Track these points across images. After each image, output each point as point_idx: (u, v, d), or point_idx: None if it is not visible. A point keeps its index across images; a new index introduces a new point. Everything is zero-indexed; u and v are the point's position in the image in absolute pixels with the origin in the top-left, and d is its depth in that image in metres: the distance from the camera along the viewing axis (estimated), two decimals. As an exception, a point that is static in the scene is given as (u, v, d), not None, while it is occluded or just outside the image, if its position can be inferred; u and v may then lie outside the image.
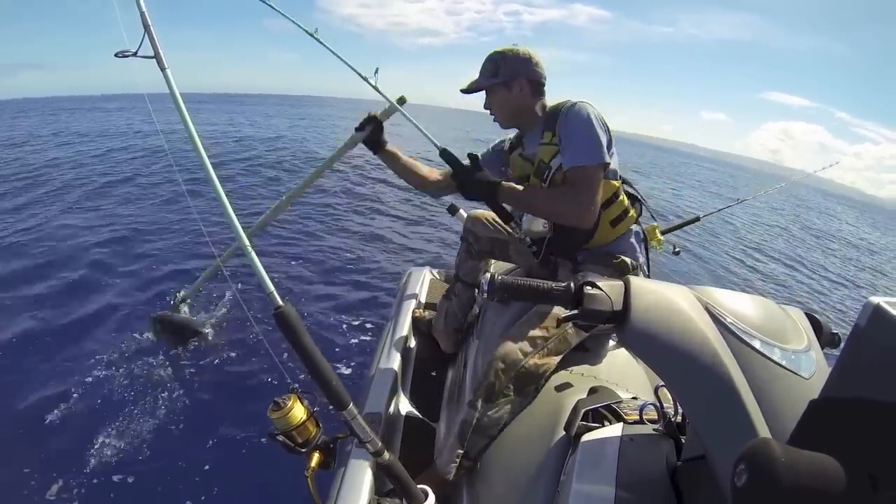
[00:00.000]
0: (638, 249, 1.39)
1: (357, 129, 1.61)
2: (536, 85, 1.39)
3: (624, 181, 1.38)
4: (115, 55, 1.25)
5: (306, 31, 1.80)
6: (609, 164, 1.26)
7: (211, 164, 1.00)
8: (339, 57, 1.81)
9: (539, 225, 1.40)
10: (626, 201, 1.37)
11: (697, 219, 2.48)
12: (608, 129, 1.27)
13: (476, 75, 1.44)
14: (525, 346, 1.15)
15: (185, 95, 1.12)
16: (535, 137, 1.39)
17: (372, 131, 1.58)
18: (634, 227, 1.40)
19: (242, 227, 0.92)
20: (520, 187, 1.35)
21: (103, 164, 7.70)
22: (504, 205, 1.38)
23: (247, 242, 0.89)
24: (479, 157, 1.36)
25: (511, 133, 1.60)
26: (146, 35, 1.17)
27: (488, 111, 1.46)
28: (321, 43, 1.81)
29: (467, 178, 1.34)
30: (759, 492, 0.35)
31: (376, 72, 1.68)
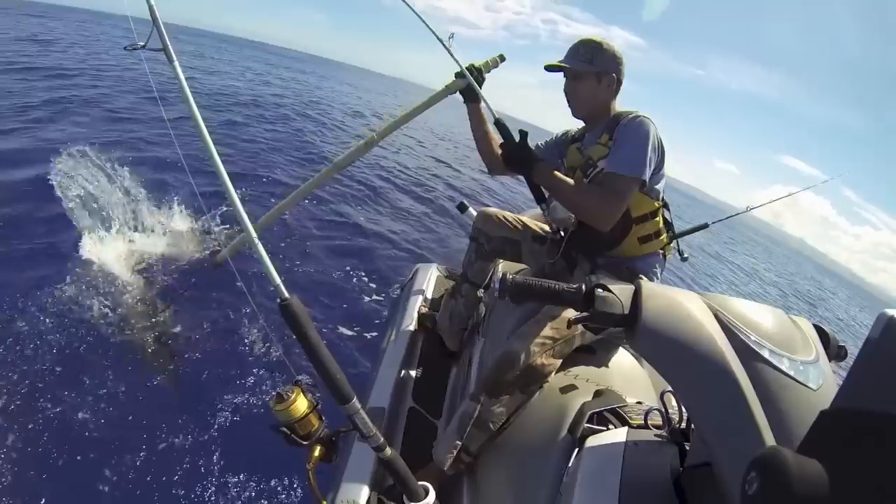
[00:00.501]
0: (658, 275, 1.42)
1: (457, 76, 1.66)
2: (619, 86, 1.42)
3: (665, 206, 1.40)
4: (125, 48, 1.26)
5: None
6: (645, 181, 1.27)
7: (219, 155, 0.97)
8: (421, 18, 1.84)
9: (565, 213, 1.43)
10: (661, 224, 1.39)
11: (706, 225, 2.48)
12: (662, 150, 1.30)
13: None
14: (534, 345, 1.15)
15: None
16: (595, 136, 1.43)
17: (474, 80, 1.62)
18: (660, 252, 1.42)
19: (249, 216, 0.91)
20: (556, 172, 1.38)
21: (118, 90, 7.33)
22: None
23: (254, 234, 0.87)
24: (528, 135, 1.42)
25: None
26: (154, 28, 1.17)
27: (566, 94, 1.47)
28: (405, 2, 1.83)
29: (513, 149, 1.42)
30: (771, 499, 0.35)
31: (451, 37, 1.74)
